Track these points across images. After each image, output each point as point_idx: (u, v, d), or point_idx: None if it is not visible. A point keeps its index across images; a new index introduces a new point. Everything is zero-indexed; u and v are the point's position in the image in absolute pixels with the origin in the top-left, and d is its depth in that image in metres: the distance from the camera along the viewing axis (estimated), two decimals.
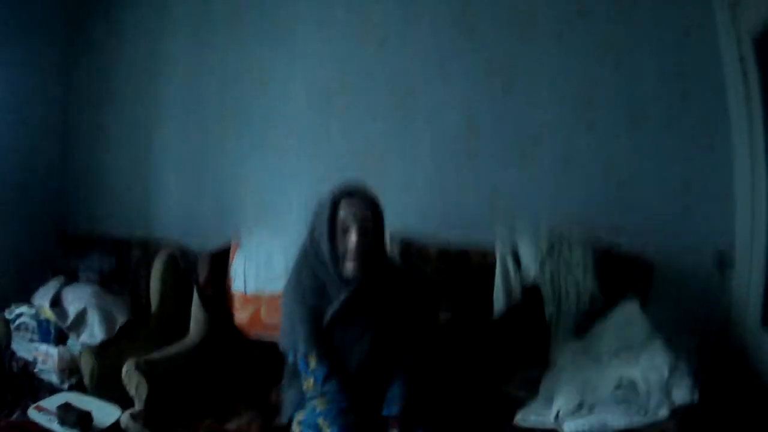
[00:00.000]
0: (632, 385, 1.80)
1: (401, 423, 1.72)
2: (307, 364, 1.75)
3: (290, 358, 1.87)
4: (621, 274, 2.25)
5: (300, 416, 1.80)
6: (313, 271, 1.76)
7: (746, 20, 2.15)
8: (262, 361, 2.32)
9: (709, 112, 2.29)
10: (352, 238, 1.69)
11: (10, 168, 2.74)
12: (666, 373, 1.76)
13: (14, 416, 2.39)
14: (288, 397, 1.91)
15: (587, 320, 2.21)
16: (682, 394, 1.71)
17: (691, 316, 2.24)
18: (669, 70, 2.32)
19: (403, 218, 2.16)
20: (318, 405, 1.73)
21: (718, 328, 2.28)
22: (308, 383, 1.76)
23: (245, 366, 2.35)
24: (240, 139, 2.76)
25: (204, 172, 2.84)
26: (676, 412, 1.69)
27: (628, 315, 2.08)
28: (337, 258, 1.71)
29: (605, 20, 2.37)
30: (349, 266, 1.71)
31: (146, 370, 2.09)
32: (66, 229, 2.90)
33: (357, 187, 1.76)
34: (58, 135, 2.93)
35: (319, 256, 1.74)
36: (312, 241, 1.77)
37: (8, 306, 2.56)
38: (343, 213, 1.70)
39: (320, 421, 1.71)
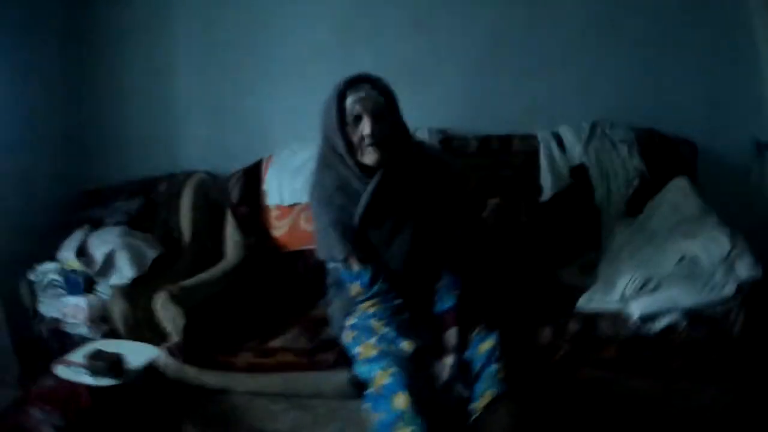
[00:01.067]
0: (694, 261, 1.72)
1: (458, 318, 1.63)
2: (349, 268, 1.68)
3: (330, 267, 1.80)
4: (665, 153, 2.21)
5: (351, 320, 1.71)
6: (334, 170, 1.69)
7: None
8: (306, 275, 2.27)
9: (738, 17, 2.30)
10: (366, 124, 1.61)
11: (22, 138, 2.66)
12: (728, 247, 1.68)
13: (43, 382, 2.23)
14: (335, 307, 1.83)
15: (636, 201, 2.17)
16: (746, 269, 1.63)
17: (734, 203, 2.18)
18: None
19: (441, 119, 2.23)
20: (369, 307, 1.66)
21: (758, 216, 2.25)
22: (354, 288, 1.69)
23: (288, 282, 2.28)
24: (263, 69, 2.71)
25: (228, 106, 2.77)
26: (741, 288, 1.62)
27: (680, 192, 2.04)
28: (353, 149, 1.64)
29: None
30: (369, 154, 1.63)
31: (181, 299, 1.96)
32: (89, 186, 2.82)
33: (363, 75, 1.69)
34: (68, 97, 2.84)
35: (336, 153, 1.67)
36: (326, 139, 1.70)
37: (32, 268, 2.45)
38: (350, 101, 1.64)
39: (373, 322, 1.64)
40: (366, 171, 1.66)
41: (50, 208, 2.72)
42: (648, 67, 2.40)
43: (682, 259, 1.74)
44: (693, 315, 1.64)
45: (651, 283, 1.69)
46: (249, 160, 2.52)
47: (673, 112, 2.35)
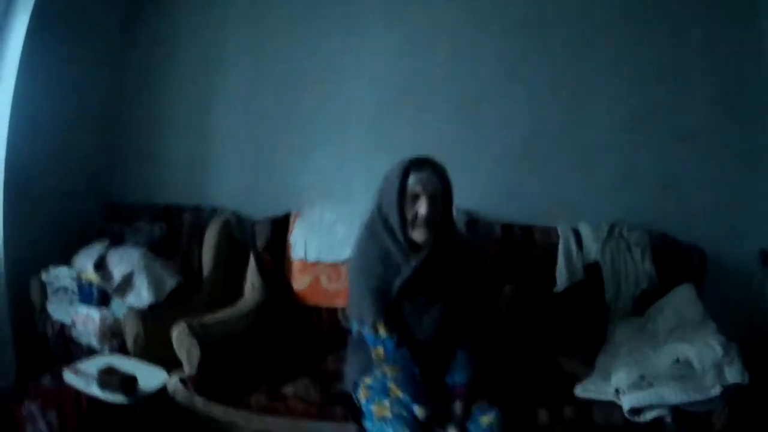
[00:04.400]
0: (687, 363, 1.87)
1: (467, 394, 1.75)
2: (376, 333, 1.76)
3: (355, 328, 1.89)
4: (675, 260, 2.33)
5: (368, 381, 1.81)
6: (381, 242, 1.77)
7: None
8: (319, 330, 2.37)
9: (757, 131, 2.42)
10: (422, 204, 1.71)
11: (60, 144, 2.68)
12: (720, 353, 1.83)
13: (44, 381, 2.24)
14: (352, 364, 1.91)
15: (642, 301, 2.29)
16: (733, 374, 1.79)
17: (736, 309, 2.34)
18: (719, 90, 2.44)
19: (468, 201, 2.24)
20: (389, 371, 1.75)
21: (759, 323, 2.36)
22: (377, 352, 1.76)
23: (302, 334, 2.36)
24: (306, 127, 2.76)
25: (264, 154, 2.82)
26: (727, 391, 1.77)
27: (685, 297, 2.16)
28: (405, 225, 1.73)
29: (659, 45, 2.49)
30: (419, 233, 1.72)
31: (199, 333, 2.03)
32: (112, 200, 2.87)
33: (427, 158, 1.78)
34: (108, 116, 2.89)
35: (387, 225, 1.76)
36: (380, 210, 1.79)
37: (46, 269, 2.49)
38: (412, 181, 1.72)
39: (391, 385, 1.73)
40: (411, 247, 1.76)
41: (72, 215, 2.75)
42: (669, 177, 2.51)
43: (676, 360, 1.89)
44: (679, 411, 1.79)
45: (644, 380, 1.84)
46: (274, 211, 2.59)
47: (687, 220, 2.46)
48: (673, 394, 1.79)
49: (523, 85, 2.58)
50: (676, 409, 1.79)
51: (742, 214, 2.45)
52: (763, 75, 2.37)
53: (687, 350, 1.89)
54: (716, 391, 1.77)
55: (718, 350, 1.84)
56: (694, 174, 2.49)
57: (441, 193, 1.75)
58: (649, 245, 2.35)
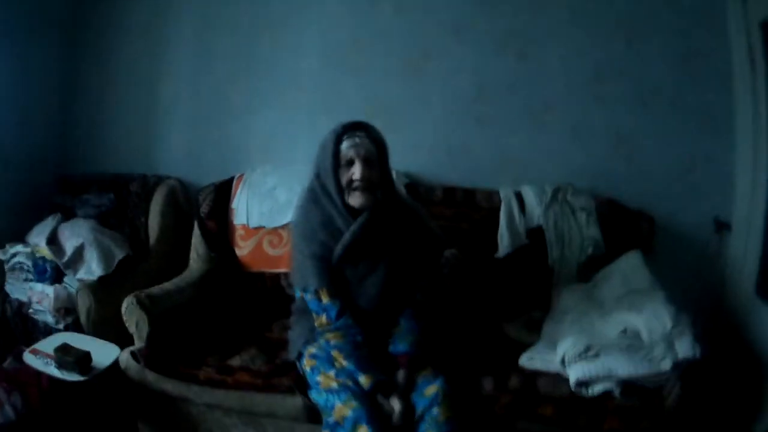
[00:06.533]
0: (636, 334, 1.83)
1: (409, 362, 1.74)
2: (318, 300, 1.76)
3: (298, 295, 1.89)
4: (623, 225, 2.30)
5: (312, 350, 1.81)
6: (322, 207, 1.78)
7: (756, 10, 2.19)
8: (264, 296, 2.35)
9: (716, 96, 2.35)
10: (357, 169, 1.71)
11: (8, 117, 2.63)
12: (669, 325, 1.78)
13: (6, 363, 2.24)
14: (295, 333, 1.92)
15: (589, 267, 2.26)
16: (684, 348, 1.74)
17: (688, 278, 2.30)
18: (678, 53, 2.37)
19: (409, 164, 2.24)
20: (331, 339, 1.75)
21: (712, 293, 2.34)
22: (319, 320, 1.77)
23: (247, 301, 2.35)
24: (248, 90, 2.72)
25: (209, 120, 2.78)
26: (679, 365, 1.73)
27: (632, 264, 2.12)
28: (342, 191, 1.74)
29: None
30: (356, 197, 1.73)
31: (148, 305, 2.04)
32: (65, 172, 2.82)
33: (359, 122, 1.78)
34: (56, 86, 2.84)
35: (325, 192, 1.76)
36: (318, 177, 1.79)
37: (2, 247, 2.47)
38: (345, 146, 1.73)
39: (335, 353, 1.73)
40: (351, 212, 1.76)
41: (25, 190, 2.71)
42: (622, 136, 2.45)
43: (624, 330, 1.85)
44: (627, 384, 1.75)
45: (591, 350, 1.79)
46: (220, 176, 2.55)
47: (639, 183, 2.42)
48: (621, 366, 1.75)
49: (470, 41, 2.52)
50: (625, 383, 1.75)
51: (696, 180, 2.40)
52: (724, 39, 2.30)
53: (635, 320, 1.84)
54: (666, 364, 1.73)
55: (668, 321, 1.79)
56: (647, 137, 2.43)
57: (375, 155, 1.75)
58: (595, 210, 2.31)
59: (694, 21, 2.36)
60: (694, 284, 2.32)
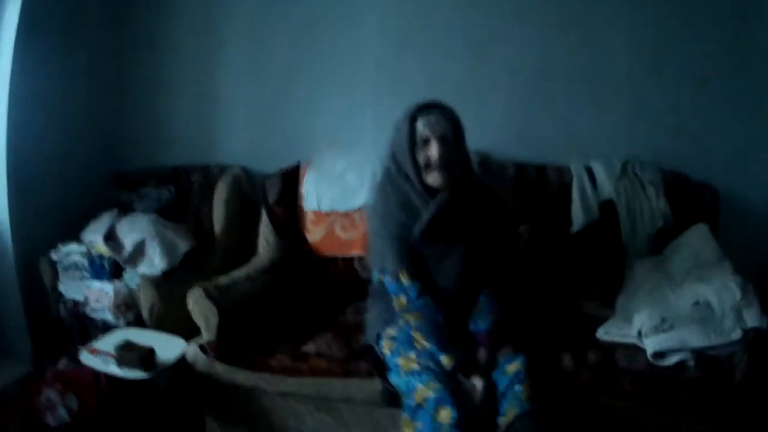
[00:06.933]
0: (707, 305, 1.85)
1: (490, 341, 1.74)
2: (398, 281, 1.75)
3: (376, 278, 1.88)
4: (689, 198, 2.30)
5: (391, 332, 1.80)
6: (399, 187, 1.77)
7: None
8: (337, 281, 2.34)
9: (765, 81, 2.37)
10: (433, 148, 1.70)
11: (60, 117, 2.61)
12: (738, 295, 1.81)
13: (60, 364, 2.25)
14: (372, 316, 1.91)
15: (658, 240, 2.27)
16: (752, 317, 1.77)
17: (751, 250, 2.32)
18: (732, 33, 2.38)
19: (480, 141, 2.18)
20: (411, 320, 1.74)
21: None
22: (399, 301, 1.76)
23: (320, 286, 2.34)
24: (311, 74, 2.70)
25: (271, 107, 2.76)
26: (747, 335, 1.76)
27: (700, 237, 2.14)
28: (419, 170, 1.73)
29: None
30: (434, 176, 1.72)
31: (216, 297, 1.98)
32: (121, 169, 2.81)
33: (434, 102, 1.78)
34: (112, 83, 2.82)
35: (402, 172, 1.76)
36: (394, 158, 1.79)
37: (54, 247, 2.42)
38: (421, 125, 1.72)
39: (416, 334, 1.72)
40: (429, 192, 1.75)
41: (78, 188, 2.67)
42: (683, 114, 2.45)
43: (696, 302, 1.87)
44: (701, 355, 1.78)
45: (666, 322, 1.82)
46: (284, 163, 2.53)
47: (702, 156, 2.43)
48: (695, 338, 1.77)
49: (532, 23, 2.52)
50: (698, 354, 1.78)
51: (756, 154, 2.41)
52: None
53: (706, 292, 1.86)
54: (737, 334, 1.76)
55: (737, 292, 1.82)
56: (706, 115, 2.44)
57: (452, 134, 1.74)
58: (663, 183, 2.31)
59: (747, 8, 2.37)
60: (756, 256, 2.33)
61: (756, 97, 2.40)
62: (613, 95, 2.50)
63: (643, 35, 2.46)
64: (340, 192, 2.38)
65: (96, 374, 2.02)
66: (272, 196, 2.42)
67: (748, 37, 2.38)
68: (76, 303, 2.38)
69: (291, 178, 2.47)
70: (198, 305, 2.00)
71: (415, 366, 1.68)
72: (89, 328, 2.36)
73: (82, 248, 2.41)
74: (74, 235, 2.47)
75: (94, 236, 2.41)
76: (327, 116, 2.72)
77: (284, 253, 2.39)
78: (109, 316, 2.30)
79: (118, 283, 2.33)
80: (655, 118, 2.48)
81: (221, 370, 1.95)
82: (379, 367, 1.82)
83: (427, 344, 1.70)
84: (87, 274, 2.38)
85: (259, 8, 2.72)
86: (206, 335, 2.01)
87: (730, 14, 2.39)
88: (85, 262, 2.39)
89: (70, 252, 2.42)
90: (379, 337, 1.84)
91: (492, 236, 1.83)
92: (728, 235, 2.26)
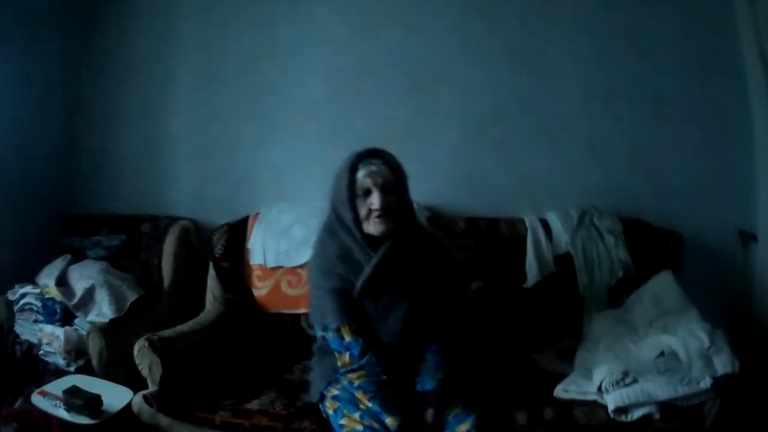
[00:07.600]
0: (673, 355, 1.79)
1: (437, 400, 1.67)
2: (340, 337, 1.68)
3: (319, 334, 1.82)
4: (651, 245, 2.25)
5: (334, 391, 1.73)
6: (340, 240, 1.71)
7: (765, 12, 2.15)
8: (283, 337, 2.30)
9: (730, 103, 2.34)
10: (375, 197, 1.65)
11: (12, 153, 2.60)
12: (706, 342, 1.76)
13: (17, 404, 2.24)
14: (317, 374, 1.84)
15: (619, 291, 2.22)
16: (723, 363, 1.71)
17: (717, 293, 2.27)
18: (690, 61, 2.35)
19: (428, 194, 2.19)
20: (355, 379, 1.67)
21: (741, 306, 2.30)
22: (342, 359, 1.70)
23: (265, 342, 2.30)
24: (257, 122, 2.67)
25: (218, 157, 2.74)
26: (718, 382, 1.70)
27: (663, 285, 2.09)
28: (359, 222, 1.66)
29: (627, 10, 2.39)
30: (376, 226, 1.66)
31: (160, 348, 1.96)
32: (71, 212, 2.79)
33: (375, 149, 1.72)
34: (61, 119, 2.80)
35: (342, 223, 1.69)
36: (334, 209, 1.72)
37: (11, 287, 2.43)
38: (362, 175, 1.67)
39: (359, 394, 1.66)
40: (371, 243, 1.68)
41: (32, 229, 2.68)
42: (640, 151, 2.41)
43: (661, 353, 1.81)
44: (667, 406, 1.71)
45: (629, 376, 1.75)
46: (232, 213, 2.52)
47: (662, 199, 2.39)
48: (660, 390, 1.71)
49: (480, 62, 2.49)
50: (664, 405, 1.71)
51: (718, 191, 2.38)
52: (736, 43, 2.29)
53: (671, 342, 1.81)
54: (706, 383, 1.70)
55: (704, 339, 1.76)
56: (665, 150, 2.42)
57: (393, 183, 1.68)
58: (623, 231, 2.26)
59: (703, 27, 2.34)
60: (724, 299, 2.29)
61: (715, 129, 2.37)
62: (567, 135, 2.47)
63: (595, 69, 2.43)
64: (287, 247, 2.35)
65: (48, 418, 2.01)
66: (218, 249, 2.41)
67: (704, 65, 2.36)
68: (30, 344, 2.38)
69: (238, 231, 2.45)
70: (143, 356, 1.98)
71: (358, 426, 1.62)
72: (43, 371, 2.35)
73: (36, 291, 2.41)
74: (29, 277, 2.47)
75: (48, 279, 2.43)
76: (272, 165, 2.70)
77: (231, 308, 2.36)
78: (60, 360, 2.30)
79: (69, 329, 2.32)
80: (612, 156, 2.44)
81: (164, 422, 1.91)
82: (323, 427, 1.76)
83: (370, 404, 1.63)
84: (41, 317, 2.38)
85: (206, 53, 2.72)
86: (151, 386, 1.99)
87: (686, 41, 2.38)
88: (38, 304, 2.39)
89: (26, 293, 2.43)
90: (323, 396, 1.78)
91: (437, 288, 1.75)
92: (693, 279, 2.21)
